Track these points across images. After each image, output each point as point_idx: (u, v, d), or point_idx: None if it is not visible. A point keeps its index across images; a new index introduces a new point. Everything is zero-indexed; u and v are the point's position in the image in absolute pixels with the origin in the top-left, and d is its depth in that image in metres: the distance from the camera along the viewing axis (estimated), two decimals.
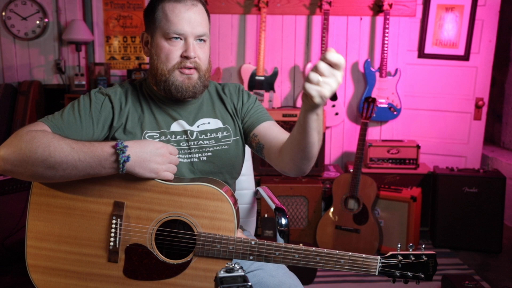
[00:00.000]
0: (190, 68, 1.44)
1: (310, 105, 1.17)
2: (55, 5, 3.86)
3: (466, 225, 3.40)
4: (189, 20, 1.42)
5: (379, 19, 3.82)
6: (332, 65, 1.10)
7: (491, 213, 3.35)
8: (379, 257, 1.32)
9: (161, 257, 1.34)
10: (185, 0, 1.43)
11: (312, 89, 1.11)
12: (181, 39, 1.43)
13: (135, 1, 3.89)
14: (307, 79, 1.12)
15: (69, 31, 3.67)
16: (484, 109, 3.86)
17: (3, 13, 3.81)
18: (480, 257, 3.34)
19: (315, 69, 1.10)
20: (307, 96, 1.13)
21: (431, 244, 3.53)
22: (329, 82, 1.10)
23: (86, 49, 3.90)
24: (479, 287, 2.40)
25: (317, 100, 1.12)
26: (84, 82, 3.81)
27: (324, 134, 3.58)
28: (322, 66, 1.09)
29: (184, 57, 1.43)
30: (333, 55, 1.09)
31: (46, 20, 3.85)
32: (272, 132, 1.53)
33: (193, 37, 1.43)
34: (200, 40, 1.46)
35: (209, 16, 1.52)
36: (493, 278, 3.02)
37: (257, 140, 1.55)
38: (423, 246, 1.36)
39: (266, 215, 3.26)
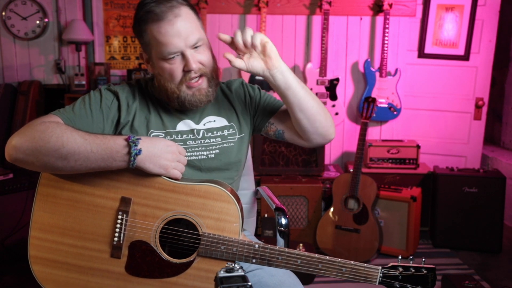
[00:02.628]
0: (196, 78, 1.44)
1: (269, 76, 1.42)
2: (55, 5, 3.86)
3: (466, 225, 3.40)
4: (179, 34, 1.38)
5: (379, 19, 3.83)
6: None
7: (491, 213, 3.36)
8: (380, 267, 1.34)
9: (164, 255, 1.34)
10: (166, 14, 1.37)
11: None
12: (178, 55, 1.41)
13: (135, 1, 3.89)
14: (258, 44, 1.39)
15: (69, 31, 3.67)
16: (484, 109, 3.87)
17: (3, 13, 3.80)
18: (480, 257, 3.34)
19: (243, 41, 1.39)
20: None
21: (431, 244, 3.53)
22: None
23: (86, 49, 3.90)
24: (479, 287, 2.40)
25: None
26: (84, 82, 3.81)
27: None
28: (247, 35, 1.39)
29: (187, 71, 1.42)
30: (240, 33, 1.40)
31: (46, 20, 3.84)
32: (287, 115, 1.54)
33: (188, 48, 1.40)
34: (197, 47, 1.43)
35: (197, 13, 1.48)
36: (493, 278, 3.02)
37: (274, 128, 1.58)
38: (424, 259, 1.38)
39: (266, 215, 3.26)
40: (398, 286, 1.34)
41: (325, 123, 1.49)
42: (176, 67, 1.42)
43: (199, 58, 1.43)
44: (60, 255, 1.36)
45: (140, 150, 1.29)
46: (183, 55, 1.41)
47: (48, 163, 1.27)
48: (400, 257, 1.39)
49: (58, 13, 3.87)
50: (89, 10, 3.87)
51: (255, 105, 1.61)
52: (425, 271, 1.34)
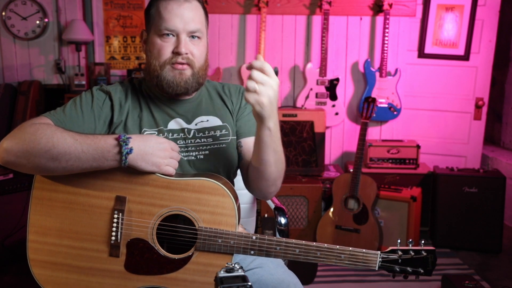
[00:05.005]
0: (182, 63, 1.44)
1: (256, 115, 1.27)
2: (55, 5, 3.87)
3: (466, 225, 3.40)
4: (181, 16, 1.42)
5: (379, 19, 3.83)
6: (263, 72, 1.22)
7: (491, 213, 3.35)
8: (379, 252, 1.34)
9: (163, 251, 1.34)
10: None
11: (250, 97, 1.22)
12: (173, 35, 1.43)
13: (135, 1, 3.90)
14: (246, 89, 1.23)
15: (69, 31, 3.67)
16: (484, 109, 3.87)
17: (3, 13, 3.81)
18: (480, 257, 3.33)
19: (250, 77, 1.21)
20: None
21: (431, 244, 3.53)
22: (265, 90, 1.22)
23: (86, 49, 3.90)
24: (479, 287, 2.39)
25: (256, 108, 1.24)
26: (84, 82, 3.81)
27: (324, 134, 3.58)
28: (255, 73, 1.21)
29: (176, 53, 1.43)
30: (256, 62, 1.22)
31: (46, 20, 3.85)
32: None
33: (185, 33, 1.43)
34: (194, 37, 1.45)
35: (206, 13, 1.51)
36: (493, 278, 3.02)
37: (239, 150, 1.57)
38: (423, 242, 1.38)
39: (266, 215, 3.26)
40: (398, 269, 1.34)
41: (271, 189, 1.45)
42: (167, 45, 1.43)
43: (191, 49, 1.45)
44: (59, 257, 1.37)
45: (131, 149, 1.29)
46: (177, 38, 1.43)
47: (40, 164, 1.27)
48: (399, 241, 1.39)
49: (58, 13, 3.88)
50: (89, 10, 3.88)
51: (240, 115, 1.60)
52: (424, 253, 1.33)
